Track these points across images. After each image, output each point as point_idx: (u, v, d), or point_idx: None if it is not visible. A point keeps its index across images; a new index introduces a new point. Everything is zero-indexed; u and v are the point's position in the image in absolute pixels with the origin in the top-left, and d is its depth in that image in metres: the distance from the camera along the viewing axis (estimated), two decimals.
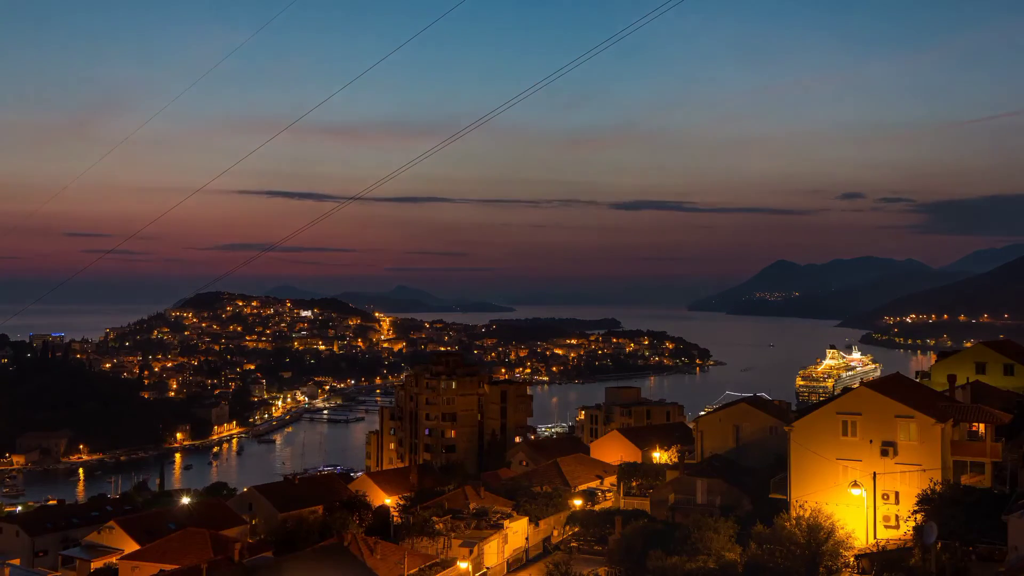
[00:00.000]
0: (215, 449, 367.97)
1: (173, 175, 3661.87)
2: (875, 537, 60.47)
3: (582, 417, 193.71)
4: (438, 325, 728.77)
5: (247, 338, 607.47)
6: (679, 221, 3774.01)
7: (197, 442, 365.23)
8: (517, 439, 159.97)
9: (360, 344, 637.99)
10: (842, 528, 58.40)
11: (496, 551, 73.23)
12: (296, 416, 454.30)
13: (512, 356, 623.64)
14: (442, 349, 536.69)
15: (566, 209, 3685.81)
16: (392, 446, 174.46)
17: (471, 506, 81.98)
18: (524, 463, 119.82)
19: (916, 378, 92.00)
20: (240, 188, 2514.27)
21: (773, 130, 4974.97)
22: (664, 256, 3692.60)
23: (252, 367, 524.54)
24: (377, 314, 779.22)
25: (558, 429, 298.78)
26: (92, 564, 76.35)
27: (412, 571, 64.03)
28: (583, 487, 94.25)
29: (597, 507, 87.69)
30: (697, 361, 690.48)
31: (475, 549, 70.61)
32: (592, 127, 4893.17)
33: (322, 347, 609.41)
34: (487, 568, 72.03)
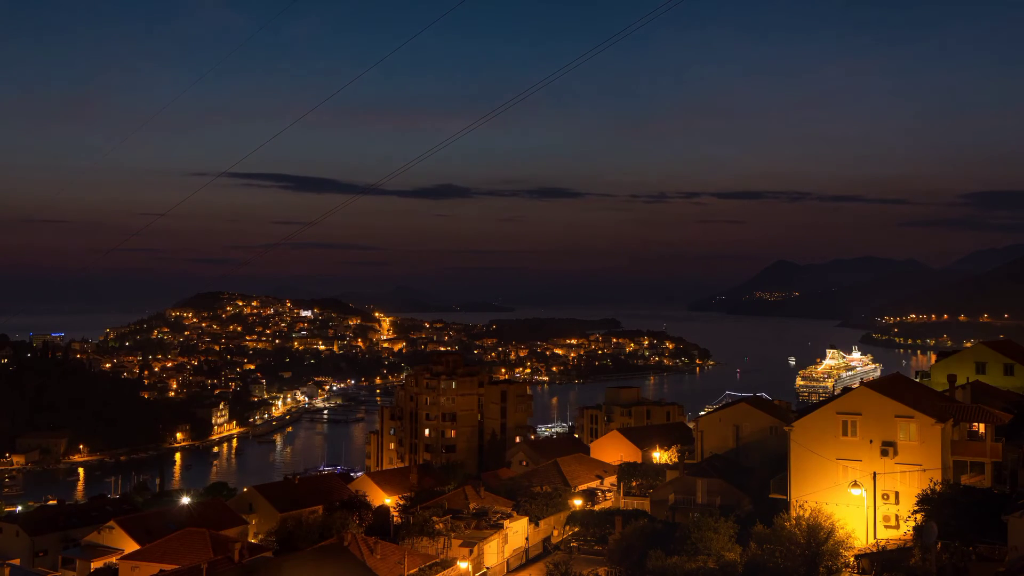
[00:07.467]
0: (215, 449, 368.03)
1: (167, 164, 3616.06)
2: (875, 537, 60.48)
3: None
4: (438, 325, 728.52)
5: (247, 338, 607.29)
6: (681, 218, 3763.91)
7: (197, 442, 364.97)
8: (517, 439, 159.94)
9: (360, 344, 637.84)
10: (842, 528, 58.45)
11: (496, 551, 73.22)
12: (296, 416, 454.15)
13: (512, 356, 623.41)
14: (442, 349, 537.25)
15: (566, 207, 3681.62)
16: (392, 446, 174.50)
17: (471, 506, 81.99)
18: (524, 463, 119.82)
19: (916, 378, 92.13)
20: (239, 177, 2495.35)
21: (773, 127, 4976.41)
22: (664, 255, 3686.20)
23: (252, 367, 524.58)
24: (377, 314, 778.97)
25: (558, 429, 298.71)
26: (92, 564, 76.44)
27: (412, 571, 63.99)
28: (583, 487, 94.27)
29: (597, 507, 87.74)
30: (697, 361, 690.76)
31: (475, 549, 70.60)
32: (589, 123, 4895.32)
33: (322, 347, 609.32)
34: (487, 568, 72.01)
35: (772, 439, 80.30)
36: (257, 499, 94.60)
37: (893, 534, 59.36)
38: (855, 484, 61.05)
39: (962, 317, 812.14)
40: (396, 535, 75.69)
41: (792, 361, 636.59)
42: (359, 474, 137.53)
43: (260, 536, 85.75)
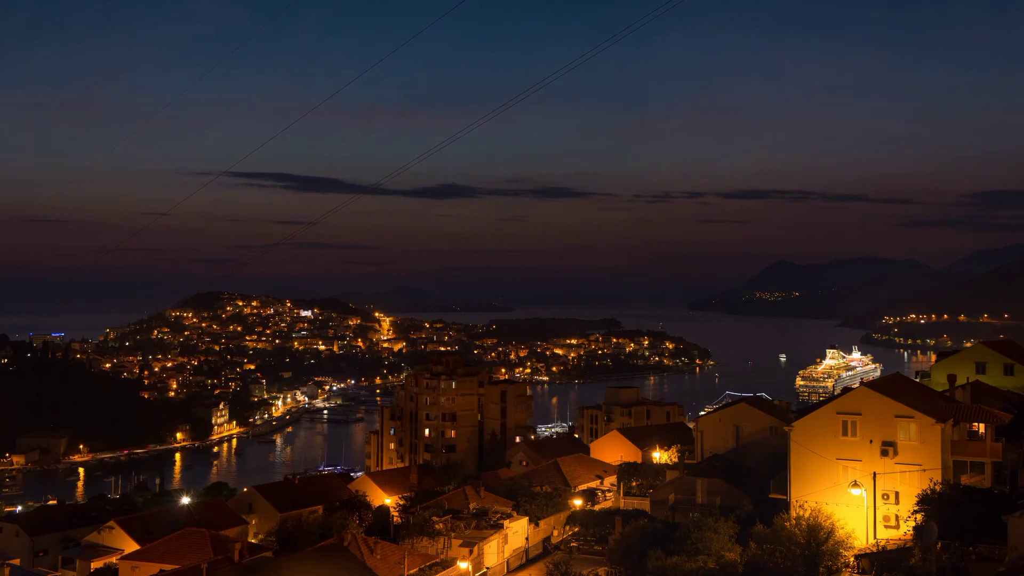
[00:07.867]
0: (215, 449, 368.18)
1: (168, 164, 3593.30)
2: (875, 537, 60.48)
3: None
4: (438, 325, 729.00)
5: (247, 338, 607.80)
6: (685, 218, 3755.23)
7: (197, 442, 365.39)
8: (517, 439, 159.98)
9: (360, 344, 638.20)
10: (842, 528, 58.42)
11: (496, 551, 73.21)
12: (296, 416, 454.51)
13: (512, 356, 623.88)
14: (442, 349, 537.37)
15: (569, 207, 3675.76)
16: (392, 446, 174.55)
17: (471, 506, 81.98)
18: (524, 463, 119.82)
19: (916, 378, 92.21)
20: (240, 177, 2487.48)
21: (777, 127, 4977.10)
22: (666, 255, 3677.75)
23: (252, 367, 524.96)
24: (377, 314, 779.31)
25: (558, 429, 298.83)
26: (92, 564, 76.44)
27: (412, 571, 64.00)
28: (583, 487, 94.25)
29: (597, 507, 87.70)
30: (697, 361, 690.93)
31: (475, 549, 70.60)
32: (593, 123, 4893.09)
33: (322, 347, 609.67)
34: (487, 568, 72.00)
35: (772, 439, 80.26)
36: (257, 499, 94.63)
37: (893, 534, 59.36)
38: (855, 484, 61.04)
39: (962, 317, 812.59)
40: (396, 535, 75.72)
41: (783, 358, 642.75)
42: (359, 474, 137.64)
43: (260, 536, 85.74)
